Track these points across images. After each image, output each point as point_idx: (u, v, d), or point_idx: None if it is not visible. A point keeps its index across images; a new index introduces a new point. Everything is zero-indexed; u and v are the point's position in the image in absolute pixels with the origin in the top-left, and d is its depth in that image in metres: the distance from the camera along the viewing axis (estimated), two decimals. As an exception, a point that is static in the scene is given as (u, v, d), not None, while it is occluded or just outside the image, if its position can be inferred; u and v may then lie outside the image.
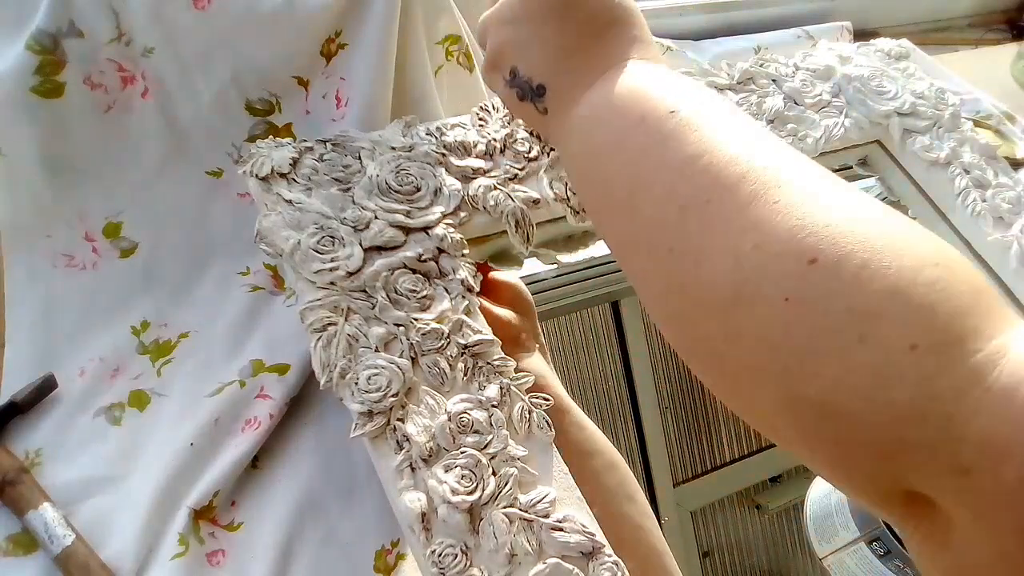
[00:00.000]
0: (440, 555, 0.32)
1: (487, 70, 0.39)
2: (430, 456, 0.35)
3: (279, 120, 0.51)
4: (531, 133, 0.49)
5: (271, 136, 0.47)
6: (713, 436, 1.73)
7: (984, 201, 0.56)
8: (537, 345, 0.51)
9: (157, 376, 0.47)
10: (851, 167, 0.61)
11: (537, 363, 0.49)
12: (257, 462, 0.45)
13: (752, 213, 0.24)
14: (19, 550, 0.39)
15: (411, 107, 0.51)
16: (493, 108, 0.50)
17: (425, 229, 0.42)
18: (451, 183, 0.44)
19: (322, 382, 0.36)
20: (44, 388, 0.44)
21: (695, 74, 0.57)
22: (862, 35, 0.83)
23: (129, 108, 0.48)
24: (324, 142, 0.44)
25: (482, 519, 0.33)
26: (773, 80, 0.59)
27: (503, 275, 0.53)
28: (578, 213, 0.46)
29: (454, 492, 0.33)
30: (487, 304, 0.49)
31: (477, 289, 0.41)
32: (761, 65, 0.59)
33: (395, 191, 0.43)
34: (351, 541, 0.43)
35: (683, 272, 0.26)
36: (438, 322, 0.39)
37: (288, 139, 0.44)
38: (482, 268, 0.51)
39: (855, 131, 0.57)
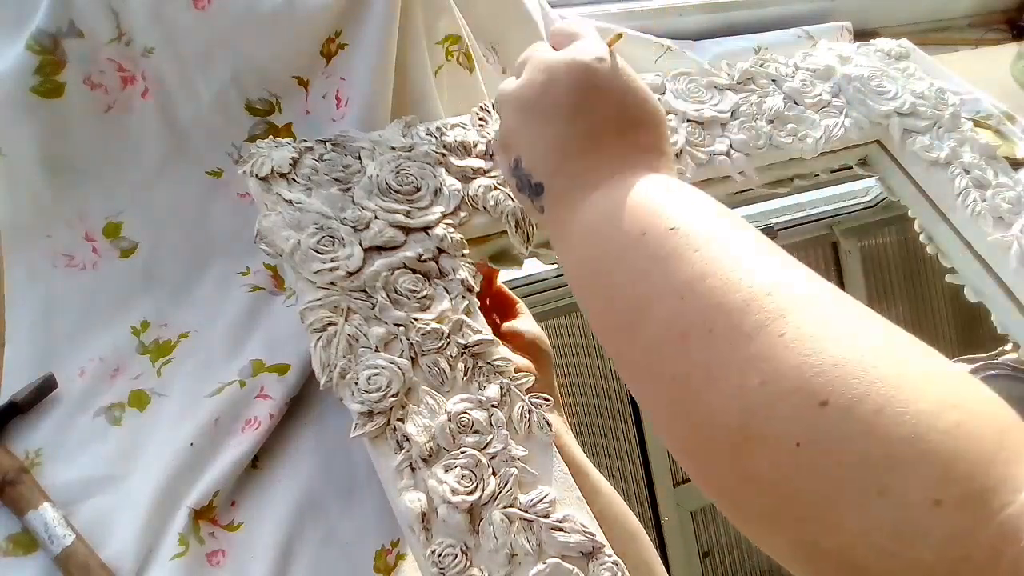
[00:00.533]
0: (440, 555, 0.32)
1: (496, 148, 0.38)
2: (430, 456, 0.35)
3: (279, 120, 0.51)
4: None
5: (271, 136, 0.47)
6: (713, 436, 1.73)
7: (984, 201, 0.56)
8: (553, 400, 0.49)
9: (157, 376, 0.47)
10: (851, 167, 0.61)
11: (553, 420, 0.47)
12: (257, 462, 0.45)
13: (757, 346, 0.23)
14: (19, 550, 0.39)
15: (411, 107, 0.51)
16: (493, 108, 0.50)
17: (425, 229, 0.42)
18: (451, 183, 0.44)
19: (322, 382, 0.36)
20: (44, 388, 0.44)
21: (695, 74, 0.57)
22: (862, 35, 0.83)
23: (129, 108, 0.48)
24: (324, 142, 0.44)
25: (482, 519, 0.33)
26: (773, 80, 0.59)
27: (523, 324, 0.51)
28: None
29: (454, 492, 0.33)
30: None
31: (477, 289, 0.41)
32: (761, 65, 0.59)
33: (395, 191, 0.43)
34: (351, 541, 0.43)
35: (688, 402, 0.24)
36: (438, 322, 0.39)
37: (288, 139, 0.44)
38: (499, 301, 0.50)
39: (855, 131, 0.57)
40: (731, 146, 0.53)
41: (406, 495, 0.33)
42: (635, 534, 0.45)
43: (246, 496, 0.44)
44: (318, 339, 0.37)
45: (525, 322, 0.51)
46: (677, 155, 0.51)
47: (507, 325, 0.51)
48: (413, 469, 0.34)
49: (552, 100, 0.33)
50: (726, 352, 0.23)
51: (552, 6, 0.63)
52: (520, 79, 0.36)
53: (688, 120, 0.54)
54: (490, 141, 0.47)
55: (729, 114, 0.55)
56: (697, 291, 0.25)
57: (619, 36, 0.36)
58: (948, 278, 0.59)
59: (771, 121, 0.56)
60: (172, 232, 0.50)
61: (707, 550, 1.76)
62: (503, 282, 0.55)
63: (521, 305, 0.52)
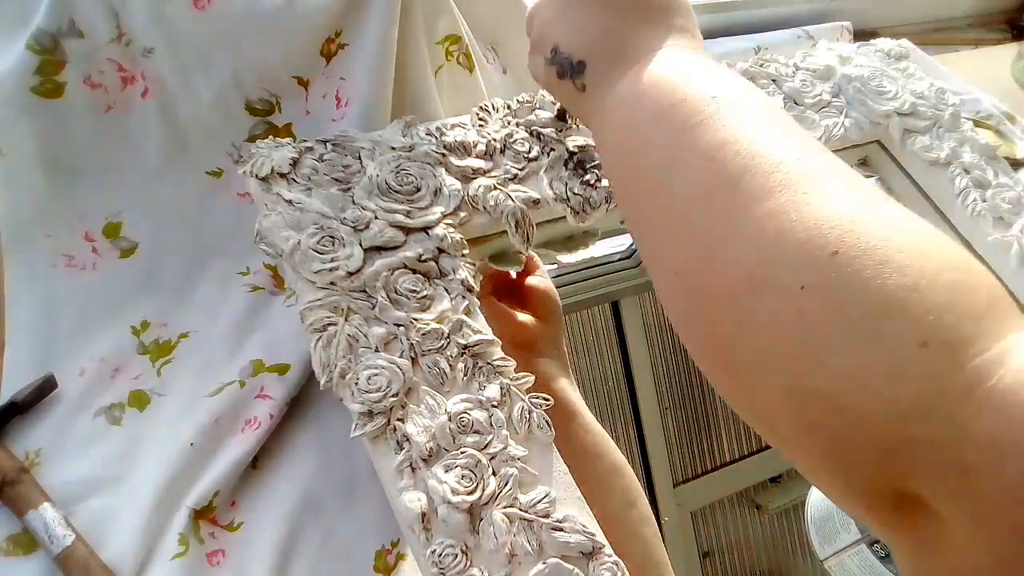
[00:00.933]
0: (440, 555, 0.32)
1: (530, 53, 0.40)
2: (430, 456, 0.35)
3: (279, 120, 0.51)
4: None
5: (271, 136, 0.46)
6: (713, 436, 1.73)
7: (984, 201, 0.56)
8: (556, 352, 0.51)
9: (157, 376, 0.47)
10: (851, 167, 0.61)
11: (550, 367, 0.49)
12: (257, 462, 0.45)
13: (779, 200, 0.24)
14: (19, 550, 0.39)
15: (411, 107, 0.51)
16: (493, 108, 0.50)
17: (425, 229, 0.42)
18: (451, 183, 0.44)
19: (322, 382, 0.36)
20: (44, 388, 0.44)
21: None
22: (862, 35, 0.83)
23: (129, 108, 0.48)
24: (324, 142, 0.44)
25: (482, 519, 0.33)
26: (773, 80, 0.59)
27: (538, 280, 0.54)
28: (578, 213, 0.46)
29: (454, 492, 0.33)
30: (506, 308, 0.49)
31: (477, 289, 0.41)
32: (761, 65, 0.59)
33: (395, 191, 0.43)
34: (351, 541, 0.43)
35: (703, 254, 0.25)
36: (438, 322, 0.39)
37: (288, 139, 0.44)
38: (505, 277, 0.52)
39: (855, 131, 0.57)
40: (731, 146, 0.53)
41: (406, 495, 0.33)
42: (618, 467, 0.46)
43: (246, 496, 0.44)
44: (318, 339, 0.37)
45: (539, 278, 0.54)
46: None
47: (528, 280, 0.53)
48: (413, 469, 0.34)
49: None
50: (748, 205, 0.24)
51: (552, 6, 0.63)
52: None
53: (688, 120, 0.54)
54: (490, 142, 0.47)
55: (729, 114, 0.55)
56: (728, 151, 0.26)
57: None
58: (948, 278, 0.59)
59: (771, 121, 0.56)
60: (172, 232, 0.50)
61: (707, 550, 1.76)
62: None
63: (537, 259, 0.55)
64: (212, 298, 0.50)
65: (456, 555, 0.32)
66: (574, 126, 0.49)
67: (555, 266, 1.08)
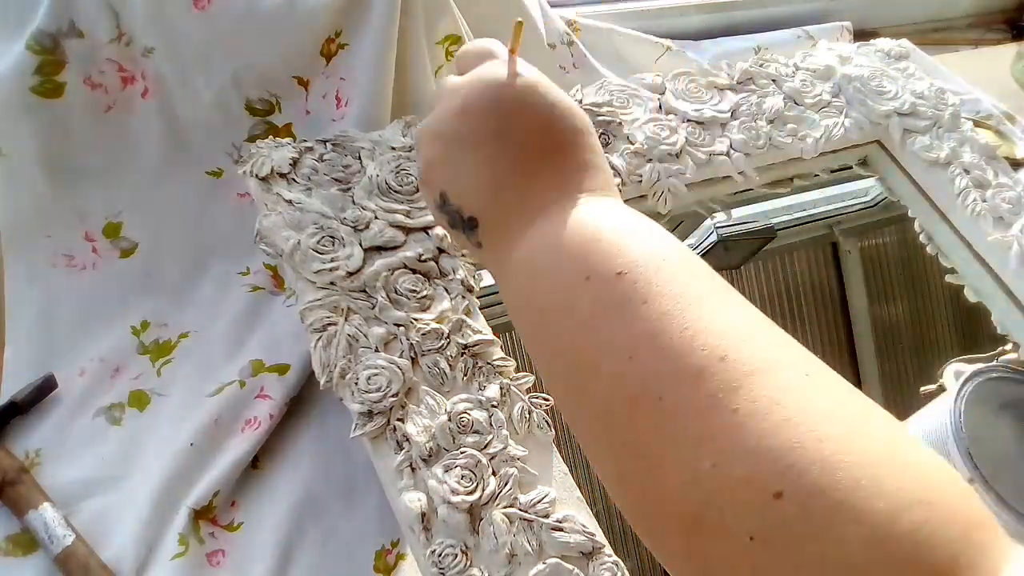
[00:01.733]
0: (440, 555, 0.32)
1: (420, 184, 0.34)
2: (430, 456, 0.35)
3: (279, 120, 0.51)
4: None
5: (271, 136, 0.47)
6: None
7: (984, 201, 0.56)
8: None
9: (157, 376, 0.47)
10: (851, 167, 0.62)
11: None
12: (257, 462, 0.45)
13: (709, 422, 0.21)
14: (19, 550, 0.39)
15: (411, 107, 0.51)
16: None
17: (425, 229, 0.42)
18: (451, 183, 0.44)
19: (322, 382, 0.36)
20: (44, 388, 0.44)
21: (695, 74, 0.57)
22: (862, 35, 0.83)
23: (129, 108, 0.48)
24: (324, 142, 0.44)
25: (482, 519, 0.33)
26: (773, 80, 0.59)
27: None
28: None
29: (454, 492, 0.33)
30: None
31: (477, 289, 0.41)
32: (761, 65, 0.59)
33: (395, 191, 0.43)
34: (351, 541, 0.43)
35: (640, 477, 0.23)
36: (438, 322, 0.39)
37: (288, 139, 0.44)
38: None
39: (855, 131, 0.57)
40: (731, 146, 0.53)
41: (406, 495, 0.33)
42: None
43: (246, 496, 0.44)
44: (318, 339, 0.37)
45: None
46: (677, 155, 0.51)
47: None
48: (413, 469, 0.34)
49: (471, 126, 0.30)
50: (677, 427, 0.22)
51: (552, 6, 0.63)
52: (435, 110, 0.32)
53: (688, 120, 0.54)
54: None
55: (729, 114, 0.55)
56: (646, 353, 0.23)
57: (520, 24, 0.31)
58: (948, 278, 0.59)
59: (771, 121, 0.56)
60: (172, 232, 0.50)
61: (707, 550, 1.75)
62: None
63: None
64: (212, 298, 0.50)
65: (456, 555, 0.32)
66: None
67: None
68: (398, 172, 0.43)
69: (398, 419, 0.35)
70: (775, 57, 0.61)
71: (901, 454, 0.20)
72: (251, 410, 0.45)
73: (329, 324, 0.37)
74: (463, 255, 0.42)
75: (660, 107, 0.54)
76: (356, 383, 0.36)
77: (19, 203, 0.47)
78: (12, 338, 0.46)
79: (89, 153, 0.48)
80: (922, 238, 0.60)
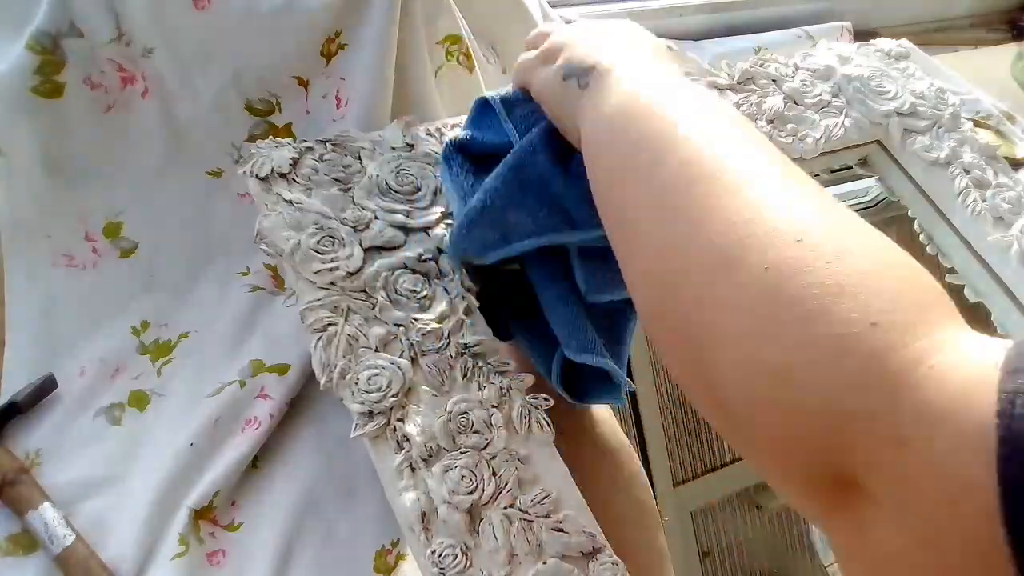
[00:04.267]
0: (440, 555, 0.32)
1: (533, 66, 0.40)
2: (430, 456, 0.35)
3: (279, 120, 0.51)
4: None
5: (271, 136, 0.46)
6: (713, 436, 1.73)
7: (984, 201, 0.56)
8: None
9: (157, 376, 0.47)
10: (851, 167, 0.61)
11: None
12: (257, 462, 0.45)
13: (756, 191, 0.26)
14: (19, 550, 0.39)
15: (411, 107, 0.51)
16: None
17: (425, 229, 0.42)
18: (451, 183, 0.44)
19: (322, 382, 0.36)
20: (44, 388, 0.44)
21: (695, 74, 0.57)
22: (862, 35, 0.83)
23: (129, 108, 0.48)
24: (324, 142, 0.44)
25: (482, 519, 0.33)
26: (773, 80, 0.59)
27: None
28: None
29: (454, 492, 0.33)
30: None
31: (476, 289, 0.41)
32: (761, 65, 0.59)
33: (395, 191, 0.43)
34: (351, 541, 0.43)
35: (683, 234, 0.27)
36: (438, 322, 0.39)
37: (288, 139, 0.44)
38: None
39: (855, 131, 0.57)
40: (731, 146, 0.53)
41: (406, 495, 0.33)
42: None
43: (246, 496, 0.44)
44: (318, 339, 0.37)
45: None
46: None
47: None
48: (413, 469, 0.34)
49: (595, 31, 0.39)
50: (728, 193, 0.26)
51: (552, 6, 0.63)
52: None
53: (688, 120, 0.53)
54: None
55: (729, 114, 0.55)
56: (713, 148, 0.28)
57: None
58: (948, 278, 0.59)
59: (771, 121, 0.56)
60: (172, 232, 0.50)
61: (707, 550, 1.76)
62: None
63: None
64: (212, 298, 0.50)
65: (456, 555, 0.32)
66: None
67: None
68: (398, 172, 0.43)
69: (398, 419, 0.35)
70: (775, 57, 0.61)
71: (896, 246, 0.24)
72: (251, 410, 0.45)
73: (329, 324, 0.37)
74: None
75: (660, 107, 0.54)
76: (356, 383, 0.36)
77: (19, 203, 0.47)
78: (12, 338, 0.46)
79: (89, 153, 0.48)
80: (922, 238, 0.60)
